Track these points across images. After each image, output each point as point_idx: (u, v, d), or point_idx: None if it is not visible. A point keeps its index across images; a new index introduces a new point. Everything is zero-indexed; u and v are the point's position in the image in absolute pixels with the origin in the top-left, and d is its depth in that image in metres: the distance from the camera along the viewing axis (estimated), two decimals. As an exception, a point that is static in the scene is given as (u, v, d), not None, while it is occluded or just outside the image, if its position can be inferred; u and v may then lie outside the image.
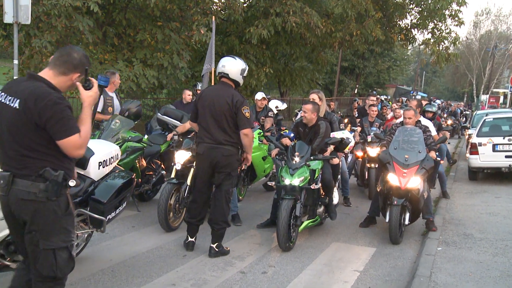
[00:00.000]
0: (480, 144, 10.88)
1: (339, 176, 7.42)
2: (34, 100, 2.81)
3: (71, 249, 3.03)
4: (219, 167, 5.27)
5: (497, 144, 10.75)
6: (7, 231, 3.52)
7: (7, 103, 2.88)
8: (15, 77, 8.40)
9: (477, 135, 11.28)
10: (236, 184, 5.73)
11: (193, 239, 5.58)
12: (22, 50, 11.48)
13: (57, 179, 2.89)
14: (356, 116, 11.02)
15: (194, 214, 5.49)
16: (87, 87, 3.06)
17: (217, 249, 5.46)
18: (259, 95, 9.35)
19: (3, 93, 2.94)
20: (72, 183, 3.01)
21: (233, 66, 5.33)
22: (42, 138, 2.86)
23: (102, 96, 6.59)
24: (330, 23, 17.05)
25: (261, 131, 8.36)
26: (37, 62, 10.87)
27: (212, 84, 9.42)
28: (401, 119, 7.53)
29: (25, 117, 2.82)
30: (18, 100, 2.85)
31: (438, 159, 7.58)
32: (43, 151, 2.89)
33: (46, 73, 2.97)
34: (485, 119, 11.99)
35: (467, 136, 14.90)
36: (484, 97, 38.36)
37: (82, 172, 4.50)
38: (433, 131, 7.57)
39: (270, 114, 9.31)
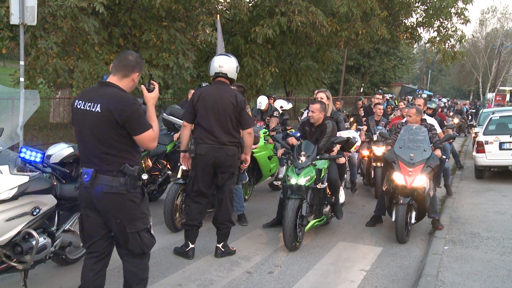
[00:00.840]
0: (486, 142, 10.83)
1: (345, 176, 7.40)
2: (114, 102, 3.25)
3: (150, 229, 3.57)
4: (224, 167, 5.20)
5: (504, 142, 10.69)
6: (14, 232, 3.54)
7: (88, 109, 3.31)
8: (21, 78, 8.42)
9: (484, 133, 11.23)
10: (236, 182, 5.71)
11: (193, 246, 5.37)
12: (28, 51, 11.54)
13: (134, 173, 3.37)
14: (362, 115, 10.98)
15: (195, 216, 5.29)
16: (150, 90, 3.55)
17: (223, 249, 5.44)
18: (264, 101, 9.38)
19: (80, 101, 3.36)
20: (144, 176, 3.64)
21: (231, 65, 5.24)
22: (121, 136, 3.31)
23: None
24: (335, 22, 17.05)
25: (267, 130, 8.36)
26: (43, 63, 10.91)
27: None
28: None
29: (107, 118, 3.25)
30: (98, 105, 3.27)
31: (444, 157, 7.55)
32: (122, 148, 3.35)
33: (112, 80, 3.41)
34: (491, 117, 11.94)
35: (473, 135, 14.83)
36: (490, 95, 38.19)
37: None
38: (439, 129, 7.54)
39: (275, 114, 9.31)
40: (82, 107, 3.34)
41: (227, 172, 5.24)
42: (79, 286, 3.59)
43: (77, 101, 3.39)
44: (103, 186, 3.31)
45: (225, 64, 5.23)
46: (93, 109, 3.28)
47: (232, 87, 5.36)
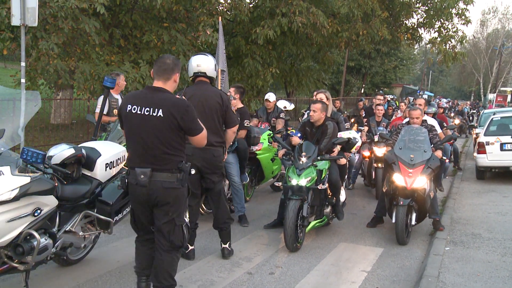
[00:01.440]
0: (487, 143, 10.82)
1: (346, 176, 7.40)
2: (176, 108, 3.65)
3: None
4: (212, 168, 5.13)
5: (505, 143, 10.69)
6: (15, 233, 3.54)
7: (147, 113, 3.66)
8: (22, 80, 8.43)
9: (485, 134, 11.22)
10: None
11: (193, 247, 5.38)
12: (29, 52, 11.55)
13: (187, 169, 3.79)
14: (363, 116, 10.99)
15: (192, 219, 5.23)
16: None
17: (230, 248, 5.45)
18: (272, 97, 9.28)
19: (134, 106, 3.68)
20: (193, 171, 4.03)
21: (208, 64, 5.18)
22: (179, 137, 3.74)
23: (107, 98, 6.61)
24: (336, 23, 17.04)
25: (271, 132, 8.31)
26: (44, 64, 10.92)
27: (219, 85, 9.33)
28: (408, 118, 7.50)
29: (170, 122, 3.64)
30: (160, 110, 3.63)
31: (444, 158, 7.55)
32: (178, 148, 3.76)
33: (158, 84, 3.76)
34: (492, 118, 11.93)
35: (474, 135, 14.83)
36: (491, 96, 38.20)
37: (89, 173, 4.52)
38: (439, 130, 7.55)
39: (281, 115, 9.21)
40: (139, 112, 3.66)
41: (215, 173, 5.20)
42: (135, 266, 4.07)
43: (129, 105, 3.70)
44: (163, 182, 3.68)
45: (202, 63, 5.16)
46: (155, 114, 3.63)
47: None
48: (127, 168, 3.92)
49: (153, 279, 3.90)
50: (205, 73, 5.17)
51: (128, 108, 3.70)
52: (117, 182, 4.71)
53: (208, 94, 5.12)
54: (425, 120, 7.27)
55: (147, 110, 3.64)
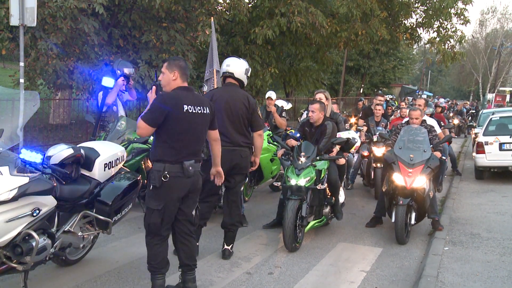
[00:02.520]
0: (486, 143, 10.82)
1: (345, 177, 7.40)
2: (211, 105, 4.26)
3: None
4: (238, 168, 5.20)
5: (504, 143, 10.69)
6: (14, 233, 3.53)
7: (199, 112, 4.09)
8: (21, 80, 8.41)
9: (484, 134, 11.23)
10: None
11: (197, 243, 5.34)
12: (28, 52, 11.53)
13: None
14: (360, 116, 10.98)
15: (204, 216, 5.31)
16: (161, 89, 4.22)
17: (232, 250, 5.46)
18: (273, 95, 9.28)
19: (190, 106, 4.02)
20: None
21: (238, 66, 5.30)
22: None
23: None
24: (335, 23, 17.06)
25: (270, 132, 8.31)
26: (42, 64, 10.91)
27: (215, 86, 9.32)
28: (407, 118, 7.51)
29: (210, 118, 4.22)
30: (207, 108, 4.16)
31: (444, 158, 7.55)
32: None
33: (185, 84, 4.16)
34: (491, 118, 11.93)
35: (473, 135, 14.85)
36: (490, 96, 38.20)
37: (87, 173, 4.52)
38: (438, 130, 7.55)
39: (283, 114, 9.22)
40: (194, 111, 4.04)
41: (240, 174, 5.28)
42: (152, 265, 4.17)
43: (185, 106, 3.99)
44: (198, 171, 4.16)
45: (232, 64, 5.31)
46: (204, 112, 4.12)
47: None
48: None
49: (184, 265, 4.33)
50: (232, 73, 5.27)
51: (185, 108, 3.98)
52: (116, 182, 4.71)
53: (235, 95, 5.22)
54: (425, 120, 7.27)
55: (199, 108, 4.08)
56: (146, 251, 4.20)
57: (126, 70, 7.31)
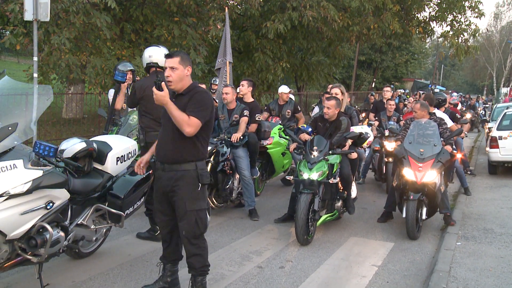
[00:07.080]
0: (500, 138, 10.72)
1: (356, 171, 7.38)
2: None
3: None
4: None
5: (518, 138, 10.58)
6: (28, 226, 3.58)
7: None
8: (34, 74, 8.50)
9: (497, 129, 11.13)
10: None
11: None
12: (42, 47, 11.61)
13: None
14: (370, 110, 10.90)
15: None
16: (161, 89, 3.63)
17: None
18: (286, 89, 9.03)
19: None
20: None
21: (160, 55, 5.33)
22: None
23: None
24: (347, 16, 16.94)
25: (282, 126, 8.24)
26: (55, 59, 10.98)
27: (228, 77, 9.31)
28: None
29: None
30: None
31: (455, 151, 7.46)
32: None
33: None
34: (505, 112, 11.82)
35: (487, 130, 14.70)
36: (504, 90, 37.76)
37: (100, 167, 4.55)
38: (449, 123, 7.45)
39: (298, 108, 9.06)
40: None
41: None
42: (174, 260, 4.32)
43: None
44: None
45: (154, 54, 5.39)
46: None
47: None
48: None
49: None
50: (157, 63, 5.35)
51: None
52: (128, 176, 4.74)
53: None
54: (434, 113, 7.18)
55: None
56: (159, 244, 4.22)
57: (131, 67, 7.36)
